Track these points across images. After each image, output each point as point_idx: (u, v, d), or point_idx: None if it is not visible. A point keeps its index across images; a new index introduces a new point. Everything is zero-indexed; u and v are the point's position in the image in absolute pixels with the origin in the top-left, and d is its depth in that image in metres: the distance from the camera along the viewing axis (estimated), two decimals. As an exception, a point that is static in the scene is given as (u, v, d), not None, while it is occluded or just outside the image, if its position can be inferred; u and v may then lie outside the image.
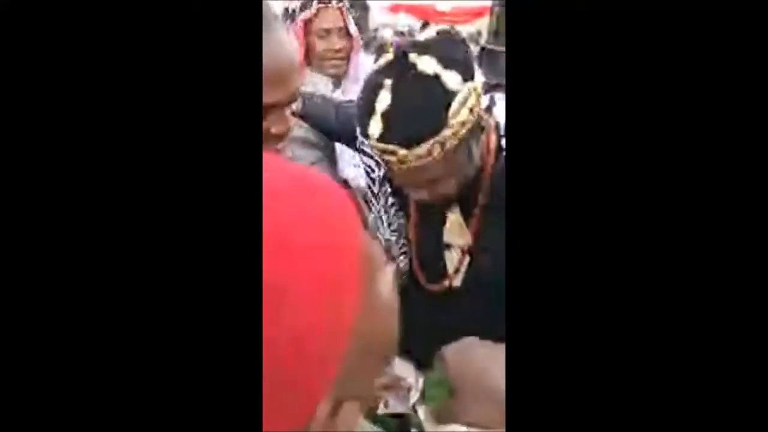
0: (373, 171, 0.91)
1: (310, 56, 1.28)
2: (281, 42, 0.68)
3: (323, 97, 1.09)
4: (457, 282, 0.89)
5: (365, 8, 4.06)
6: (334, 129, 1.00)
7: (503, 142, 0.82)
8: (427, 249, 0.90)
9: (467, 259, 0.87)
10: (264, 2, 0.84)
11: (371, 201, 0.96)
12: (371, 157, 0.89)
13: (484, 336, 0.78)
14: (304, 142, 0.93)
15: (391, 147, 0.67)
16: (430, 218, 0.88)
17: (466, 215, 0.85)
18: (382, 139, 0.67)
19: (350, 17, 1.26)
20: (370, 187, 0.94)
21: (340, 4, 1.24)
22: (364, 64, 1.30)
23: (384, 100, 0.66)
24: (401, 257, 0.95)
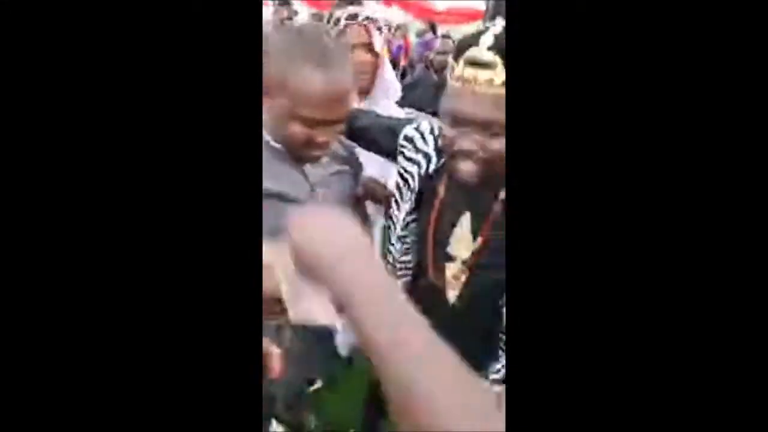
0: (408, 175, 0.98)
1: None
2: (344, 72, 0.83)
3: (363, 110, 1.13)
4: (451, 297, 0.93)
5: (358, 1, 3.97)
6: (373, 139, 1.06)
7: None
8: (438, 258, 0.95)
9: (465, 275, 0.92)
10: (337, 39, 0.96)
11: (396, 202, 1.03)
12: (410, 161, 0.98)
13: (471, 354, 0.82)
14: (333, 156, 0.99)
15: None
16: (445, 227, 0.93)
17: (477, 225, 0.90)
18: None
19: (377, 34, 1.32)
20: (399, 189, 1.01)
21: (365, 22, 1.30)
22: (390, 79, 1.38)
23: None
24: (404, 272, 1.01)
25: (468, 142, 0.77)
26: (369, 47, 1.32)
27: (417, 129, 0.99)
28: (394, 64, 4.17)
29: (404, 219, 0.99)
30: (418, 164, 0.97)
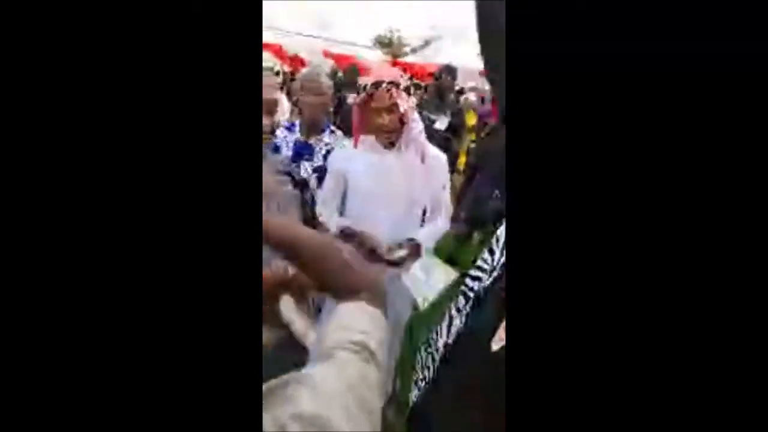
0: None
1: (368, 127, 1.53)
2: None
3: None
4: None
5: (451, 70, 4.23)
6: None
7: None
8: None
9: None
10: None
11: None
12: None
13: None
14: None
15: None
16: None
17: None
18: None
19: (402, 96, 1.47)
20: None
21: (389, 87, 1.45)
22: (416, 135, 1.52)
23: None
24: None
25: None
26: (392, 109, 1.46)
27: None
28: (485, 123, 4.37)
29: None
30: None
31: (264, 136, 0.90)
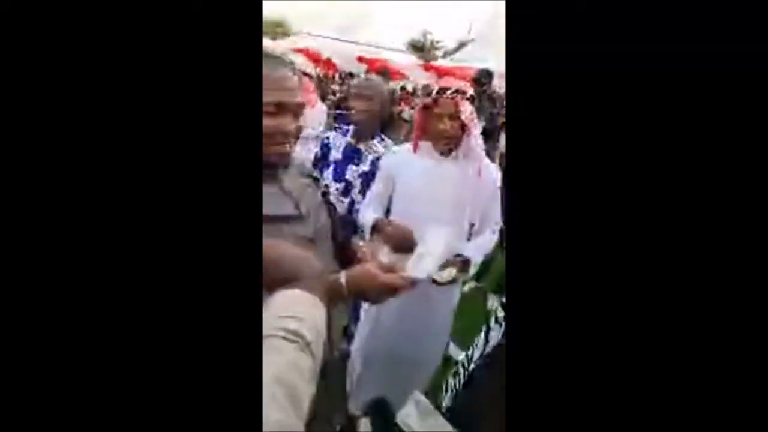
0: None
1: (426, 132, 1.55)
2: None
3: None
4: None
5: (488, 75, 4.21)
6: None
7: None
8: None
9: None
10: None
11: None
12: None
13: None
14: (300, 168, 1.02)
15: None
16: None
17: None
18: None
19: (466, 104, 1.48)
20: None
21: (453, 95, 1.47)
22: (474, 144, 1.53)
23: None
24: None
25: None
26: (455, 116, 1.47)
27: None
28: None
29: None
30: None
31: (291, 139, 0.89)
